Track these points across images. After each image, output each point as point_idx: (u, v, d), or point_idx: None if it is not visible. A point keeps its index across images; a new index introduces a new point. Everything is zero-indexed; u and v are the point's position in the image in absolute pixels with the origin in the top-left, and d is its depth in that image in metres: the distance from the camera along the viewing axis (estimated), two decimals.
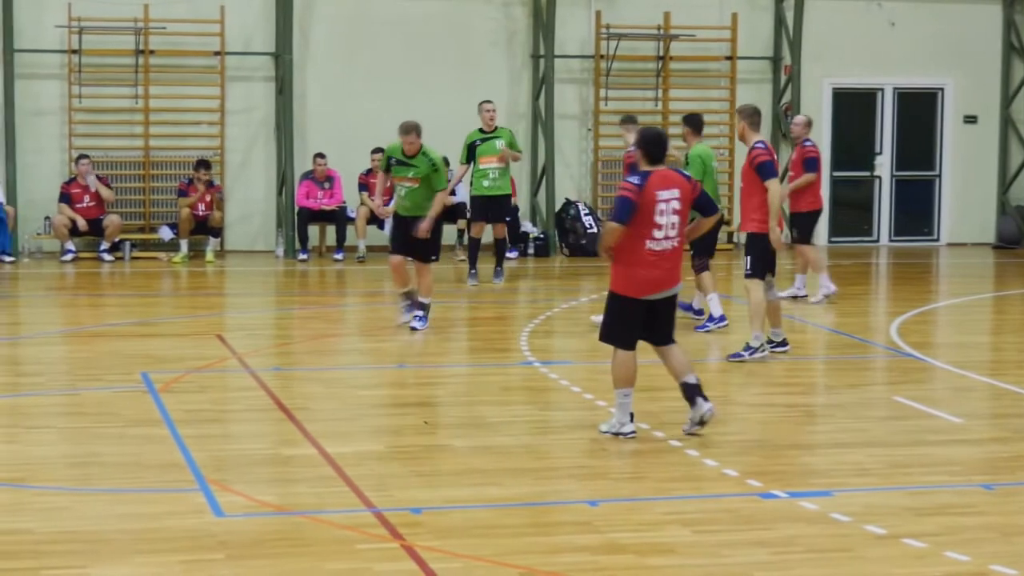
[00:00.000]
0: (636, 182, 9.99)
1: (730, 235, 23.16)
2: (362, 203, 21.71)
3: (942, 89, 24.65)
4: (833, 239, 24.38)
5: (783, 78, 23.86)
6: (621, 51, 23.15)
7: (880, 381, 13.28)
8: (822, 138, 24.09)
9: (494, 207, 18.74)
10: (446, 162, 15.92)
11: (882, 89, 24.44)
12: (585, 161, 23.55)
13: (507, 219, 19.32)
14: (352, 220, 21.79)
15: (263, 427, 10.75)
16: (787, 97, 23.80)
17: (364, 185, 21.78)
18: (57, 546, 7.74)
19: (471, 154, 18.74)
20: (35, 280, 19.46)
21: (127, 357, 13.36)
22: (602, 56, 23.14)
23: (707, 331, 14.94)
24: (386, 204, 17.47)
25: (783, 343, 13.71)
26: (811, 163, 17.11)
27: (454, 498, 8.73)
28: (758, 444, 10.20)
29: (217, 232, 21.56)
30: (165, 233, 21.62)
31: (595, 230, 22.49)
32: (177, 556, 7.57)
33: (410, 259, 14.85)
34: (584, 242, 22.40)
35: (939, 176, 24.88)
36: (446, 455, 9.84)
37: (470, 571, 7.41)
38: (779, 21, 23.85)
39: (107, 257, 21.01)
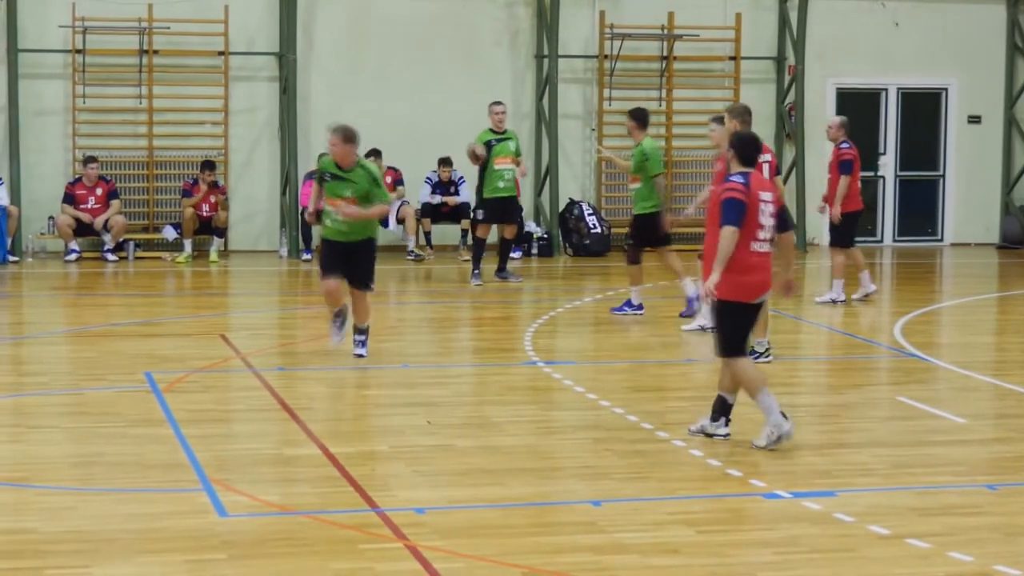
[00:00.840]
0: (742, 181, 9.82)
1: None
2: None
3: (946, 89, 24.64)
4: None
5: (787, 78, 23.85)
6: (625, 51, 23.15)
7: (884, 381, 13.28)
8: (825, 139, 24.06)
9: (509, 208, 18.76)
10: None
11: (886, 89, 24.43)
12: (589, 161, 23.54)
13: (517, 220, 19.35)
14: None
15: (266, 427, 10.75)
16: (791, 97, 23.78)
17: None
18: (60, 546, 7.74)
19: (488, 154, 18.65)
20: (39, 280, 19.47)
21: (131, 357, 13.36)
22: (606, 56, 23.14)
23: (623, 314, 15.76)
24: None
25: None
26: (846, 166, 16.98)
27: (457, 498, 8.73)
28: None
29: (221, 232, 21.56)
30: (169, 233, 21.63)
31: (599, 230, 22.49)
32: (180, 556, 7.57)
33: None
34: (588, 242, 22.40)
35: (943, 176, 24.86)
36: (449, 455, 9.84)
37: (473, 571, 7.41)
38: (783, 21, 23.84)
39: (111, 257, 21.01)
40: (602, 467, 9.56)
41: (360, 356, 13.21)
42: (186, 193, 21.40)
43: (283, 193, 22.22)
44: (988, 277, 21.63)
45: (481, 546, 7.73)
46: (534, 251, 22.55)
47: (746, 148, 10.02)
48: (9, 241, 20.90)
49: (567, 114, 23.20)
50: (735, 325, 9.96)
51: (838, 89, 24.21)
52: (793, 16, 23.69)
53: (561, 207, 22.87)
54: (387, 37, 22.58)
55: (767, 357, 13.24)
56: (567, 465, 9.70)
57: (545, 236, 22.66)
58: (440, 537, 7.88)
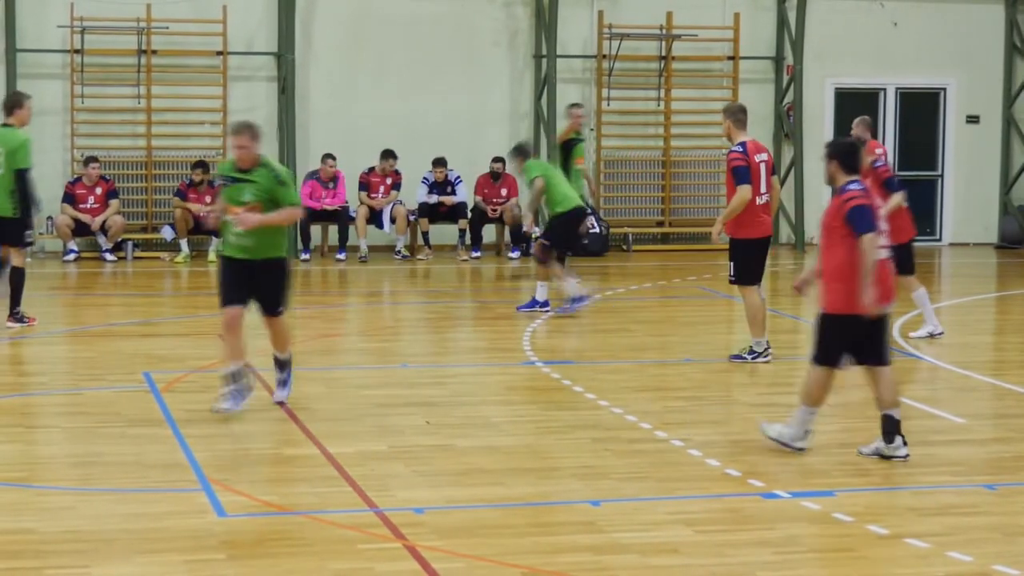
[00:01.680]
0: (862, 188, 9.53)
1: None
2: (361, 203, 21.74)
3: (944, 89, 24.64)
4: None
5: (785, 78, 23.86)
6: (623, 51, 23.15)
7: None
8: (824, 138, 24.08)
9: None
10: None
11: (884, 89, 24.43)
12: (588, 161, 23.52)
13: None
14: (354, 220, 21.78)
15: (265, 427, 10.74)
16: (789, 97, 23.78)
17: (365, 184, 21.81)
18: (60, 546, 7.74)
19: (568, 155, 18.95)
20: (37, 280, 19.42)
21: (129, 357, 13.36)
22: (604, 56, 23.14)
23: (531, 310, 15.91)
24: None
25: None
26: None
27: (456, 498, 8.73)
28: (760, 444, 10.17)
29: (217, 233, 21.53)
30: (167, 233, 21.61)
31: (598, 230, 22.49)
32: (179, 556, 7.57)
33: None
34: (587, 243, 22.40)
35: (941, 176, 24.87)
36: (448, 455, 9.84)
37: (472, 571, 7.41)
38: (781, 21, 23.85)
39: (109, 257, 21.00)
40: (601, 467, 9.56)
41: (281, 404, 11.13)
42: (179, 194, 21.38)
43: None
44: (987, 277, 21.64)
45: (480, 546, 7.73)
46: (533, 251, 22.49)
47: (850, 156, 9.69)
48: None
49: (566, 114, 23.17)
50: (838, 337, 9.63)
51: (836, 89, 24.22)
52: (792, 16, 23.69)
53: None
54: (385, 37, 22.58)
55: (766, 357, 13.24)
56: (566, 465, 9.70)
57: (596, 230, 22.58)
58: (439, 537, 7.88)
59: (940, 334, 14.81)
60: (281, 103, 22.12)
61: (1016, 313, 18.17)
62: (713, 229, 13.51)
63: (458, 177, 21.99)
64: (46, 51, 21.63)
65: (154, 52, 21.86)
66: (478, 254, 21.63)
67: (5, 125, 14.85)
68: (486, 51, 22.99)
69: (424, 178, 22.03)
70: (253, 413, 11.17)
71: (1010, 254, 23.72)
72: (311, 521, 8.18)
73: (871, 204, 9.54)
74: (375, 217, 21.84)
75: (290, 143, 21.97)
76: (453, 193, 22.04)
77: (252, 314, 10.96)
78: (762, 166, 13.17)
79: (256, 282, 10.83)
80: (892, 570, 7.53)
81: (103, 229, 21.04)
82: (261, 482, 9.11)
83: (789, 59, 23.81)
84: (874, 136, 16.84)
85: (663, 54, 23.47)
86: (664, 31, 23.31)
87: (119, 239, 21.22)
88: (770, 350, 13.31)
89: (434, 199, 21.95)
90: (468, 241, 21.87)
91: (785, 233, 23.92)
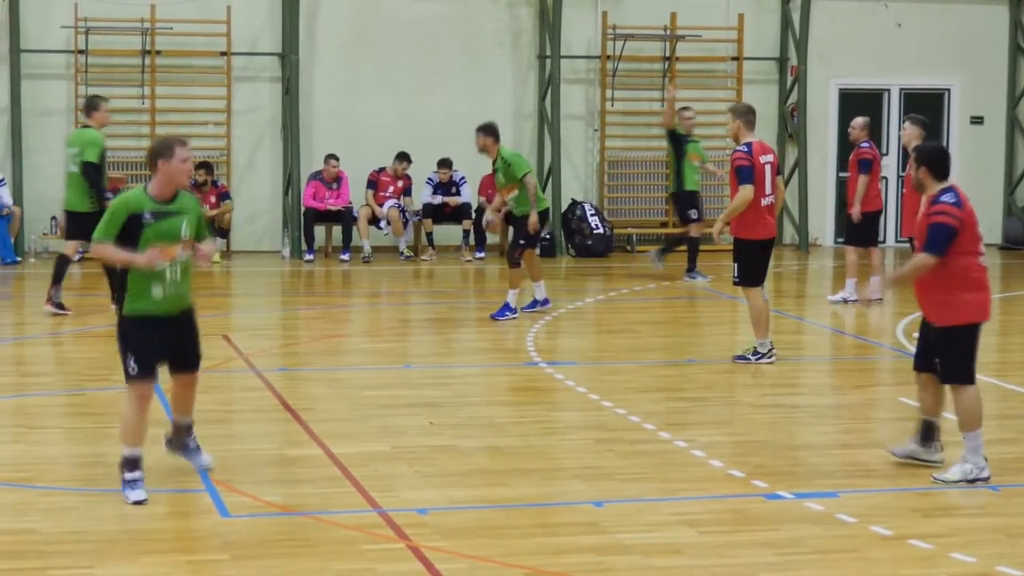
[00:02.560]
0: (954, 201, 9.20)
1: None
2: (366, 203, 21.74)
3: (948, 90, 24.63)
4: (839, 240, 24.34)
5: (789, 79, 23.85)
6: (627, 52, 23.14)
7: (886, 382, 13.28)
8: (828, 139, 24.13)
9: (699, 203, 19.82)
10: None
11: (888, 90, 24.42)
12: (591, 162, 23.54)
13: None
14: (357, 221, 21.79)
15: (269, 428, 10.75)
16: (793, 98, 23.78)
17: (373, 182, 21.83)
18: (63, 546, 7.74)
19: (681, 148, 19.43)
20: (42, 280, 19.44)
21: None
22: (608, 56, 23.14)
23: (504, 319, 15.56)
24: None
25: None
26: (864, 164, 17.05)
27: (460, 498, 8.73)
28: (764, 445, 10.19)
29: (224, 233, 21.56)
30: None
31: (601, 231, 22.49)
32: (183, 556, 7.58)
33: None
34: (590, 243, 22.41)
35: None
36: (452, 456, 9.84)
37: (476, 571, 7.41)
38: (785, 22, 23.84)
39: None
40: (604, 468, 9.56)
41: (209, 469, 9.15)
42: None
43: (285, 194, 22.22)
44: (990, 278, 21.54)
45: (483, 547, 7.73)
46: (536, 252, 22.47)
47: (941, 164, 9.49)
48: (12, 241, 20.90)
49: (569, 115, 23.20)
50: (972, 350, 9.37)
51: (840, 90, 24.21)
52: (795, 17, 23.68)
53: (563, 208, 22.87)
54: (389, 38, 22.58)
55: (770, 358, 13.24)
56: (569, 466, 9.70)
57: (548, 237, 22.61)
58: (442, 538, 7.88)
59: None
60: (285, 104, 22.12)
61: (1020, 314, 18.15)
62: (714, 228, 13.53)
63: (462, 178, 22.00)
64: (50, 51, 21.64)
65: (158, 53, 21.87)
66: (482, 255, 21.65)
67: (85, 127, 15.94)
68: (490, 52, 22.99)
69: (428, 179, 22.04)
70: (256, 414, 11.19)
71: (1014, 255, 23.71)
72: (314, 522, 8.19)
73: (956, 226, 9.20)
74: (377, 217, 21.82)
75: (294, 143, 21.98)
76: (457, 194, 22.05)
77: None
78: (767, 167, 13.17)
79: (178, 337, 8.87)
80: (895, 571, 7.53)
81: None
82: (264, 483, 9.11)
83: (793, 60, 23.80)
84: (876, 136, 16.89)
85: (667, 55, 23.47)
86: (668, 32, 23.30)
87: None
88: (774, 351, 13.31)
89: (438, 200, 21.96)
90: (472, 242, 21.88)
91: (789, 234, 23.92)
